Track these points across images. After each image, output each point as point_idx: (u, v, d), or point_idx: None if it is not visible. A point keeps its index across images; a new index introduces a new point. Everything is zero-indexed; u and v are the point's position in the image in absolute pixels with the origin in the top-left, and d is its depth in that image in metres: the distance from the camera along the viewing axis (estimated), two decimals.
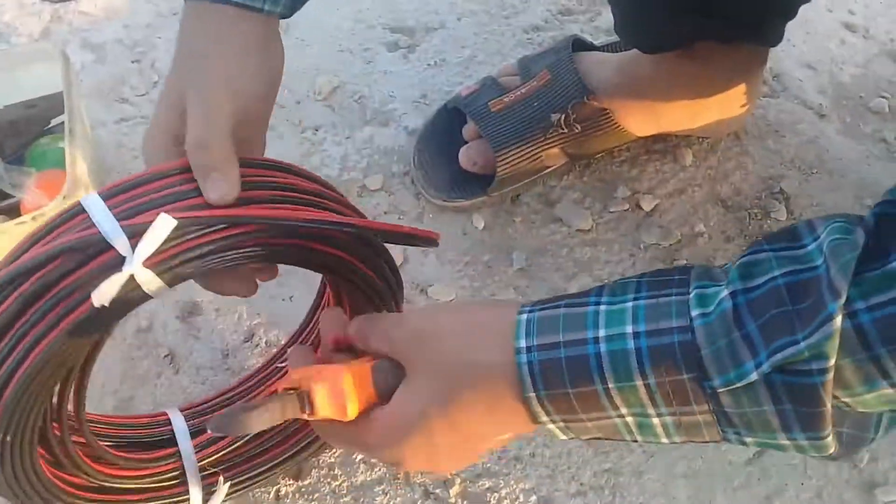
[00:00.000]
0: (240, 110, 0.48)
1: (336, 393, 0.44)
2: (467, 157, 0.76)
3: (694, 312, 0.37)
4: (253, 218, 0.46)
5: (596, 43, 0.82)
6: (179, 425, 0.59)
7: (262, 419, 0.43)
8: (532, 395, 0.40)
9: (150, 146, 0.49)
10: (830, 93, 0.87)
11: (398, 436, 0.44)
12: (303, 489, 0.63)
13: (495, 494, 0.63)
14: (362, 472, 0.64)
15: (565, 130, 0.73)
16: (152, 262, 0.43)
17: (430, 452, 0.44)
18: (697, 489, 0.64)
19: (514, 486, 0.64)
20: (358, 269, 0.52)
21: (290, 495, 0.63)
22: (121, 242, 0.43)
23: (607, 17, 0.91)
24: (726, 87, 0.72)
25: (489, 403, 0.42)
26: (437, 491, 0.63)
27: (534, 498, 0.63)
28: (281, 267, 0.71)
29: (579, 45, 0.79)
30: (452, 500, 0.63)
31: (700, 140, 0.81)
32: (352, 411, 0.44)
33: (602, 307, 0.40)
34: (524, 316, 0.41)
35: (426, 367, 0.43)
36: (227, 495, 0.59)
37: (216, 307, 0.71)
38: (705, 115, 0.75)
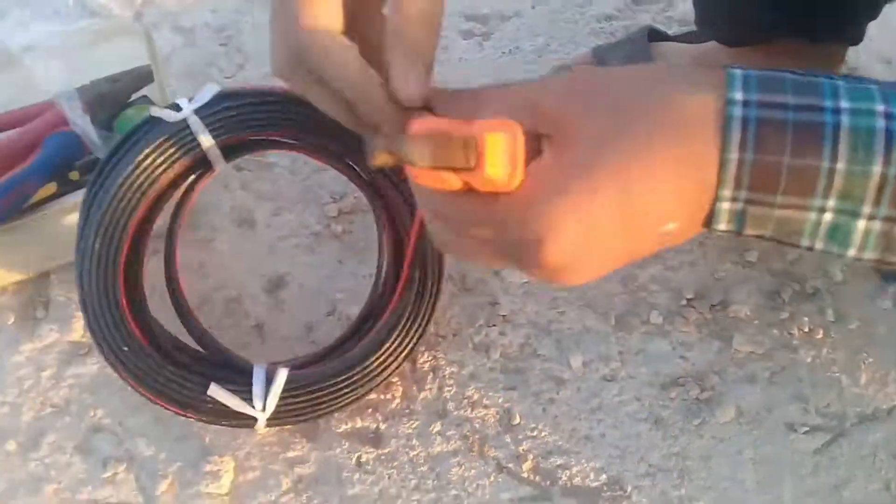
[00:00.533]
0: None
1: (508, 149, 0.35)
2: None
3: None
4: None
5: (670, 33, 0.83)
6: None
7: (425, 145, 0.35)
8: (734, 156, 0.34)
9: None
10: None
11: (551, 198, 0.35)
12: (382, 457, 0.66)
13: (566, 471, 0.66)
14: (438, 444, 0.66)
15: None
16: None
17: (588, 224, 0.35)
18: (765, 475, 0.65)
19: (585, 465, 0.66)
20: None
21: (371, 462, 0.66)
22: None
23: (681, 8, 0.91)
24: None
25: (675, 170, 0.35)
26: (510, 465, 0.66)
27: (604, 476, 0.65)
28: (361, 244, 0.75)
29: (654, 35, 0.79)
30: (525, 474, 0.66)
31: None
32: (519, 176, 0.36)
33: (840, 82, 0.35)
34: (738, 71, 0.35)
35: (593, 114, 0.36)
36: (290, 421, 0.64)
37: (300, 282, 0.74)
38: None
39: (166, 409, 0.62)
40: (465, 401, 0.68)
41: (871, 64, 0.88)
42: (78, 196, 0.67)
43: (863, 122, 0.34)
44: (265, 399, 0.62)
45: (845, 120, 0.34)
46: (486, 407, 0.68)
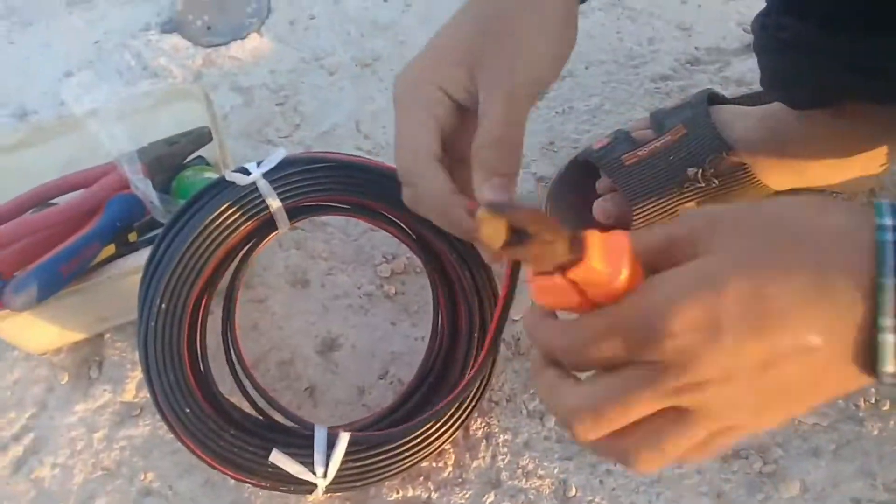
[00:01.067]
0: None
1: (614, 247, 0.35)
2: (602, 209, 0.75)
3: None
4: None
5: (726, 94, 0.82)
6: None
7: (538, 216, 0.33)
8: (891, 282, 0.32)
9: (412, 105, 0.48)
10: None
11: (670, 307, 0.33)
12: None
13: None
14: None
15: (702, 185, 0.73)
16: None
17: (712, 315, 0.33)
18: None
19: None
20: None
21: None
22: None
23: (736, 67, 0.91)
24: (873, 146, 0.71)
25: (817, 280, 0.32)
26: None
27: None
28: (413, 308, 0.74)
29: (713, 98, 0.78)
30: None
31: (835, 194, 0.80)
32: (624, 274, 0.35)
33: None
34: (885, 202, 0.34)
35: (732, 229, 0.35)
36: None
37: (353, 344, 0.74)
38: (847, 172, 0.73)
39: (224, 473, 0.61)
40: (520, 470, 0.67)
41: None
42: (136, 258, 0.68)
43: None
44: (326, 464, 0.61)
45: None
46: (540, 478, 0.66)
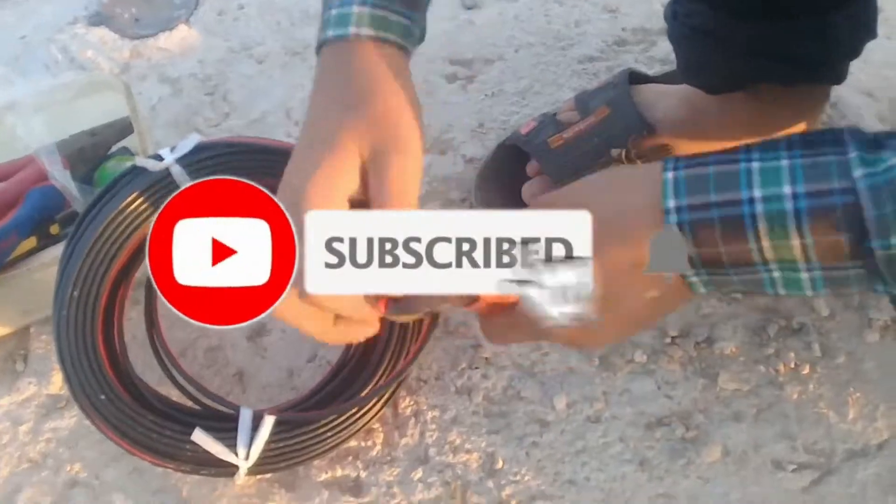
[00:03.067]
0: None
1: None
2: (530, 192, 0.76)
3: (857, 173, 0.38)
4: None
5: (650, 73, 0.83)
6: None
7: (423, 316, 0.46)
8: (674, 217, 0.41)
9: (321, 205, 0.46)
10: (890, 119, 0.86)
11: None
12: None
13: None
14: (420, 491, 0.65)
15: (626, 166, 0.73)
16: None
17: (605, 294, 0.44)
18: None
19: None
20: None
21: None
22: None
23: (662, 47, 0.92)
24: (790, 125, 0.72)
25: (634, 260, 0.42)
26: None
27: None
28: None
29: (635, 77, 0.79)
30: None
31: None
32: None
33: (755, 164, 0.40)
34: (669, 174, 0.42)
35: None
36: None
37: (282, 328, 0.74)
38: None
39: (143, 458, 0.61)
40: (448, 446, 0.67)
41: (853, 96, 0.88)
42: (57, 250, 0.68)
43: (774, 207, 0.39)
44: (249, 445, 0.61)
45: (759, 208, 0.39)
46: (468, 452, 0.67)
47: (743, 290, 0.43)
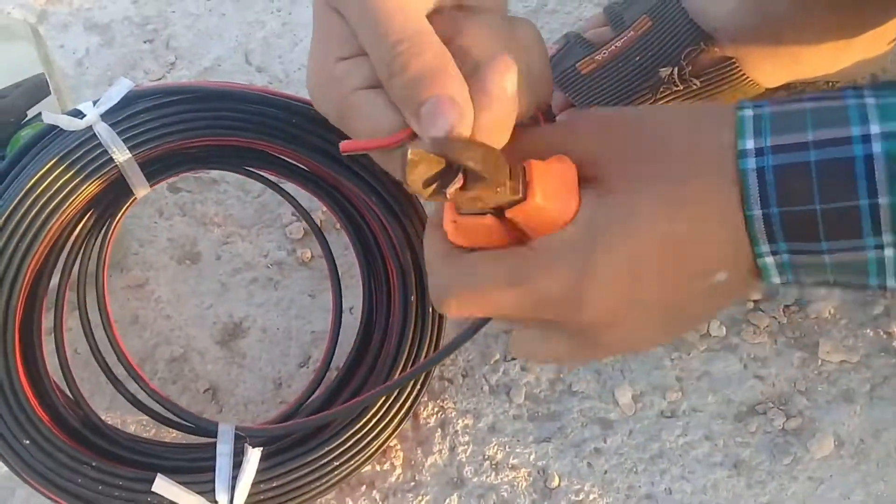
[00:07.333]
0: None
1: (560, 179, 0.35)
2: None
3: None
4: None
5: None
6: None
7: (478, 148, 0.32)
8: (757, 213, 0.33)
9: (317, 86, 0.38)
10: None
11: (591, 242, 0.35)
12: None
13: None
14: None
15: (680, 87, 0.63)
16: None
17: (629, 269, 0.35)
18: None
19: None
20: None
21: None
22: None
23: None
24: (879, 22, 0.60)
25: (698, 219, 0.35)
26: None
27: None
28: (340, 275, 0.62)
29: None
30: None
31: (829, 84, 0.68)
32: (574, 206, 0.35)
33: (868, 100, 0.33)
34: (747, 112, 0.34)
35: (630, 159, 0.36)
36: None
37: (262, 327, 0.61)
38: (849, 56, 0.63)
39: None
40: (487, 462, 0.57)
41: None
42: None
43: None
44: (232, 488, 0.49)
45: (878, 148, 0.32)
46: (514, 468, 0.56)
47: (835, 278, 0.35)
